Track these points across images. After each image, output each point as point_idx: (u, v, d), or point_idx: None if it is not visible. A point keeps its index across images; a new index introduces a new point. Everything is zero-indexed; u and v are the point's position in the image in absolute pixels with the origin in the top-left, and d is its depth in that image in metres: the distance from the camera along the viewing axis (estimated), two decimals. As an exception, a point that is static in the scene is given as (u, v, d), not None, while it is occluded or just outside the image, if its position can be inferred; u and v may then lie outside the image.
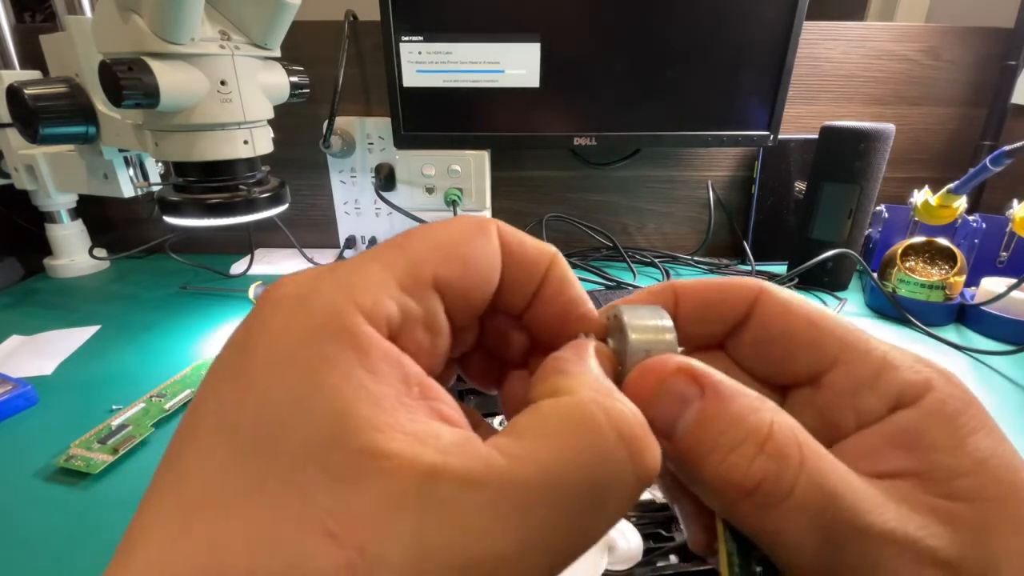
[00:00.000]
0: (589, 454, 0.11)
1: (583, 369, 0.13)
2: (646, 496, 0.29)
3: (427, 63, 0.70)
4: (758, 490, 0.12)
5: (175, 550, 0.09)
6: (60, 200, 0.74)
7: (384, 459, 0.10)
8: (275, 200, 0.56)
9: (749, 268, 0.78)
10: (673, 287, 0.17)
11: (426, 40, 0.68)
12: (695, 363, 0.13)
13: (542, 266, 0.16)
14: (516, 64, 0.69)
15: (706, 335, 0.17)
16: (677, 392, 0.13)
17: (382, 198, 0.75)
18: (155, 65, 0.44)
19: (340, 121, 0.76)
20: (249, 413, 0.10)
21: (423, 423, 0.11)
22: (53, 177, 0.69)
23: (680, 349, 0.15)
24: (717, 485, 0.12)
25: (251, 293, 0.66)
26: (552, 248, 0.16)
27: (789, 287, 0.71)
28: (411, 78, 0.70)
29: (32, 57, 0.70)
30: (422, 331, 0.13)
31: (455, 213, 0.75)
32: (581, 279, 0.71)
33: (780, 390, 0.16)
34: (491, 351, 0.18)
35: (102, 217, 0.84)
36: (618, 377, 0.15)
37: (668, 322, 0.15)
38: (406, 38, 0.68)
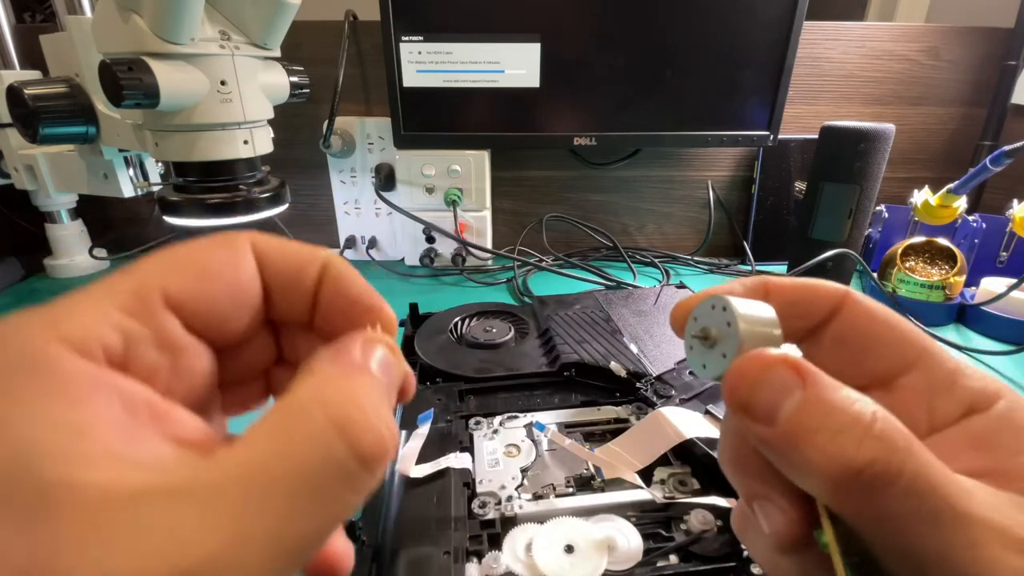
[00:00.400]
0: (296, 443, 0.11)
1: (325, 367, 0.13)
2: (646, 496, 0.29)
3: (427, 63, 0.70)
4: (867, 471, 0.12)
5: None
6: (60, 200, 0.74)
7: (79, 489, 0.10)
8: (275, 200, 0.56)
9: (749, 268, 0.78)
10: (765, 282, 0.18)
11: (426, 40, 0.68)
12: (798, 358, 0.14)
13: (311, 270, 0.16)
14: (516, 64, 0.69)
15: (791, 330, 0.17)
16: (780, 380, 0.13)
17: (382, 198, 0.75)
18: (155, 65, 0.44)
19: (340, 121, 0.76)
20: None
21: (145, 447, 0.11)
22: (53, 177, 0.69)
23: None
24: (824, 466, 0.12)
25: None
26: (324, 251, 0.16)
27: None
28: (411, 78, 0.70)
29: (32, 57, 0.70)
30: (154, 351, 0.13)
31: (455, 213, 0.76)
32: (581, 279, 0.72)
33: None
34: (298, 364, 0.18)
35: (102, 217, 0.84)
36: None
37: (775, 317, 0.15)
38: (406, 38, 0.68)
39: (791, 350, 0.15)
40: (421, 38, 0.68)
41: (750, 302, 0.15)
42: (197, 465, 0.11)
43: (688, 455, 0.31)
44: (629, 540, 0.26)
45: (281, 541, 0.11)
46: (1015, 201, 0.61)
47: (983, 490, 0.13)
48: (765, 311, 0.15)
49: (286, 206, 0.58)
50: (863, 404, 0.13)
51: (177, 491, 0.10)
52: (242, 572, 0.10)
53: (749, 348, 0.14)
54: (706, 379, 0.35)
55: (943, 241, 0.63)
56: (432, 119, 0.73)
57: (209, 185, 0.53)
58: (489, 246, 0.79)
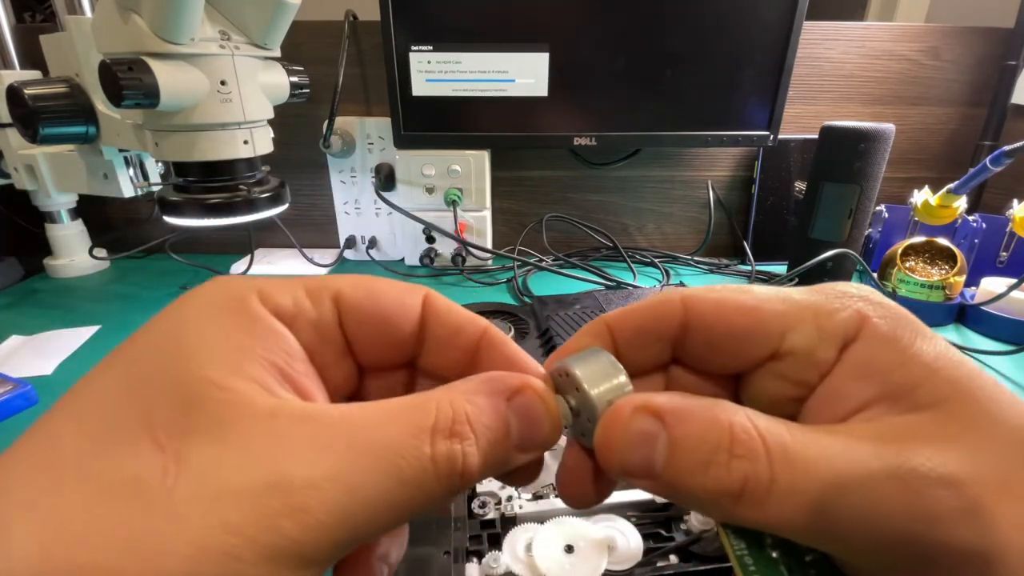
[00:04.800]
0: (408, 437, 0.13)
1: (479, 386, 0.15)
2: (646, 496, 0.29)
3: (436, 72, 0.70)
4: (746, 489, 0.12)
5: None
6: (60, 200, 0.74)
7: (222, 390, 0.12)
8: (275, 200, 0.56)
9: (749, 268, 0.78)
10: (605, 322, 0.17)
11: (435, 50, 0.68)
12: (648, 397, 0.14)
13: (471, 333, 0.17)
14: (525, 73, 0.70)
15: (652, 357, 0.17)
16: (642, 431, 0.14)
17: (382, 198, 0.75)
18: (155, 65, 0.44)
19: (340, 121, 0.76)
20: (144, 356, 0.13)
21: (279, 384, 0.13)
22: (53, 177, 0.69)
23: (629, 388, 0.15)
24: (711, 499, 0.13)
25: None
26: (484, 320, 0.17)
27: (789, 287, 0.71)
28: (420, 87, 0.71)
29: (32, 57, 0.70)
30: (311, 329, 0.15)
31: (455, 213, 0.76)
32: (581, 279, 0.72)
33: (742, 375, 0.17)
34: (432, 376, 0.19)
35: (102, 217, 0.84)
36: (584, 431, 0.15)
37: (616, 364, 0.15)
38: (416, 47, 0.68)
39: None
40: (430, 47, 0.68)
41: (588, 357, 0.16)
42: (321, 408, 0.13)
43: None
44: (629, 540, 0.26)
45: (358, 501, 0.12)
46: (1015, 201, 0.61)
47: (872, 437, 0.13)
48: (603, 361, 0.15)
49: (286, 206, 0.58)
50: (719, 422, 0.13)
51: (302, 416, 0.12)
52: (352, 499, 0.12)
53: (604, 408, 0.15)
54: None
55: (943, 241, 0.63)
56: (438, 125, 0.73)
57: (209, 185, 0.53)
58: (489, 246, 0.79)
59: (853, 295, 0.15)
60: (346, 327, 0.16)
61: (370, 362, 0.17)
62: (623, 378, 0.15)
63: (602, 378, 0.15)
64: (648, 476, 0.13)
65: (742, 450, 0.13)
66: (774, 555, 0.14)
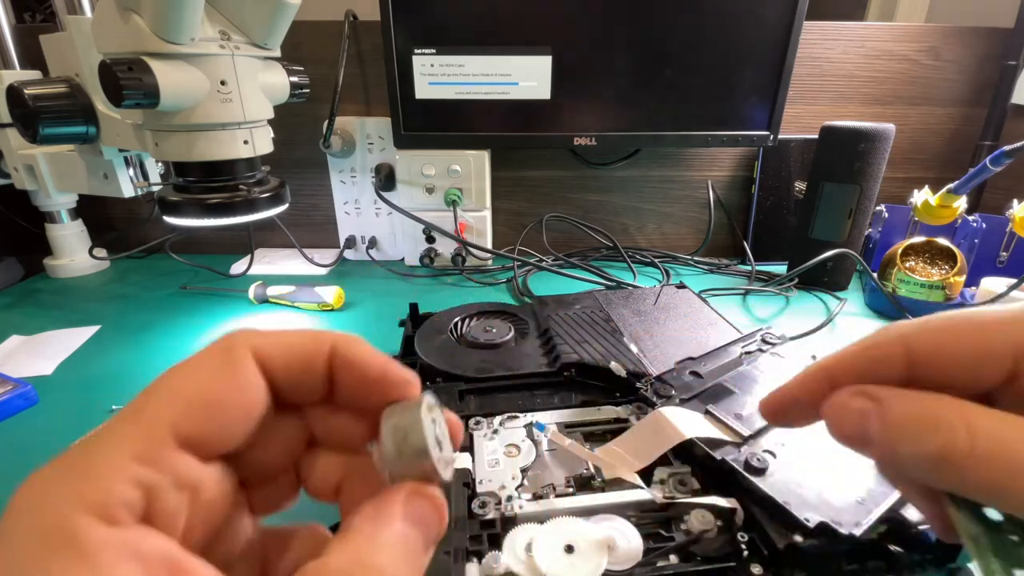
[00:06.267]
0: None
1: (365, 526, 0.14)
2: (646, 496, 0.29)
3: (439, 75, 0.70)
4: (944, 454, 0.14)
5: None
6: (60, 200, 0.74)
7: None
8: (275, 200, 0.56)
9: (749, 268, 0.78)
10: (825, 369, 0.18)
11: (439, 53, 0.69)
12: (864, 386, 0.16)
13: (318, 360, 0.16)
14: (528, 76, 0.70)
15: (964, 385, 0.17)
16: (856, 408, 0.16)
17: (382, 198, 0.75)
18: (155, 65, 0.44)
19: (340, 121, 0.76)
20: None
21: None
22: (53, 177, 0.69)
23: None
24: (915, 463, 0.15)
25: (251, 293, 0.66)
26: (329, 336, 0.16)
27: (788, 287, 0.71)
28: (423, 90, 0.71)
29: (32, 57, 0.70)
30: (173, 495, 0.13)
31: (455, 213, 0.76)
32: (581, 279, 0.72)
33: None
34: (329, 446, 0.17)
35: (102, 217, 0.84)
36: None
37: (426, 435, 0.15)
38: (419, 51, 0.68)
39: None
40: (434, 51, 0.69)
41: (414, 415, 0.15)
42: None
43: (688, 455, 0.31)
44: (629, 540, 0.26)
45: None
46: (1015, 201, 0.61)
47: None
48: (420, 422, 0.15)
49: (286, 206, 0.58)
50: (921, 404, 0.15)
51: None
52: None
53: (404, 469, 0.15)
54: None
55: (943, 241, 0.63)
56: (439, 126, 0.73)
57: (209, 185, 0.53)
58: (489, 246, 0.79)
59: None
60: (202, 455, 0.14)
61: (240, 452, 0.15)
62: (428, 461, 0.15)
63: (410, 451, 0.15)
64: (864, 444, 0.16)
65: (944, 424, 0.14)
66: (1014, 539, 0.14)
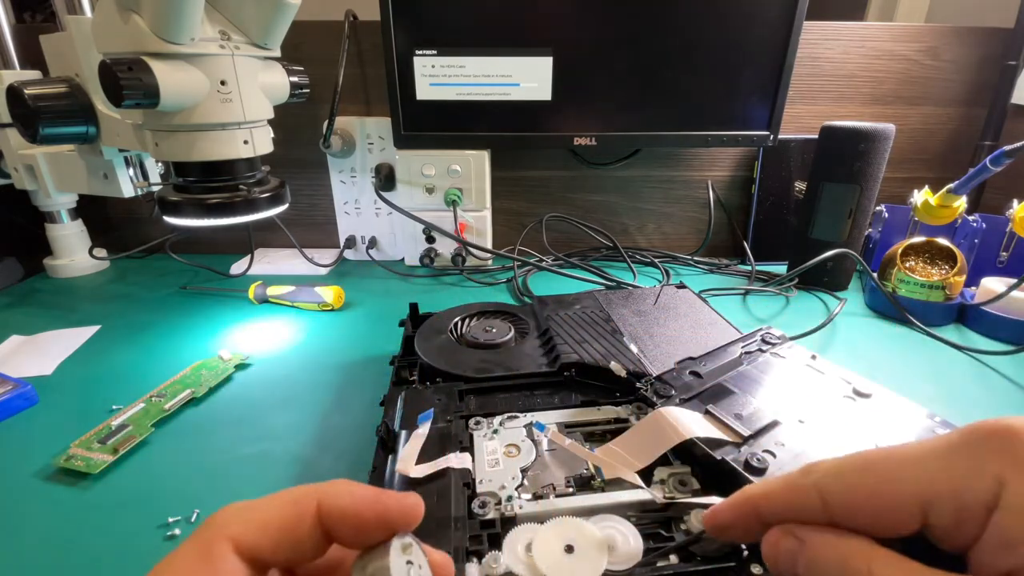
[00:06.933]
0: None
1: None
2: (646, 496, 0.29)
3: (440, 76, 0.70)
4: None
5: None
6: (60, 200, 0.74)
7: None
8: (275, 200, 0.56)
9: (749, 268, 0.78)
10: (751, 502, 0.20)
11: (440, 54, 0.69)
12: (792, 526, 0.18)
13: (304, 523, 0.16)
14: (529, 77, 0.70)
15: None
16: (785, 548, 0.18)
17: (382, 198, 0.75)
18: (155, 65, 0.44)
19: (340, 121, 0.76)
20: None
21: None
22: (53, 177, 0.69)
23: None
24: None
25: (251, 293, 0.66)
26: (312, 494, 0.17)
27: (788, 287, 0.71)
28: (424, 91, 0.71)
29: (32, 57, 0.70)
30: None
31: (455, 213, 0.76)
32: (581, 279, 0.72)
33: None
34: None
35: (102, 217, 0.84)
36: None
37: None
38: (420, 52, 0.68)
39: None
40: (435, 52, 0.69)
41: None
42: None
43: (688, 455, 0.31)
44: (629, 540, 0.26)
45: None
46: (1015, 201, 0.61)
47: None
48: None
49: (286, 206, 0.58)
50: (838, 553, 0.17)
51: None
52: None
53: None
54: None
55: (943, 241, 0.63)
56: (439, 126, 0.73)
57: (209, 185, 0.53)
58: (489, 246, 0.79)
59: (992, 451, 0.15)
60: (255, 563, 0.16)
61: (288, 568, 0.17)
62: None
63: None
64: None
65: (851, 570, 0.16)
66: None
